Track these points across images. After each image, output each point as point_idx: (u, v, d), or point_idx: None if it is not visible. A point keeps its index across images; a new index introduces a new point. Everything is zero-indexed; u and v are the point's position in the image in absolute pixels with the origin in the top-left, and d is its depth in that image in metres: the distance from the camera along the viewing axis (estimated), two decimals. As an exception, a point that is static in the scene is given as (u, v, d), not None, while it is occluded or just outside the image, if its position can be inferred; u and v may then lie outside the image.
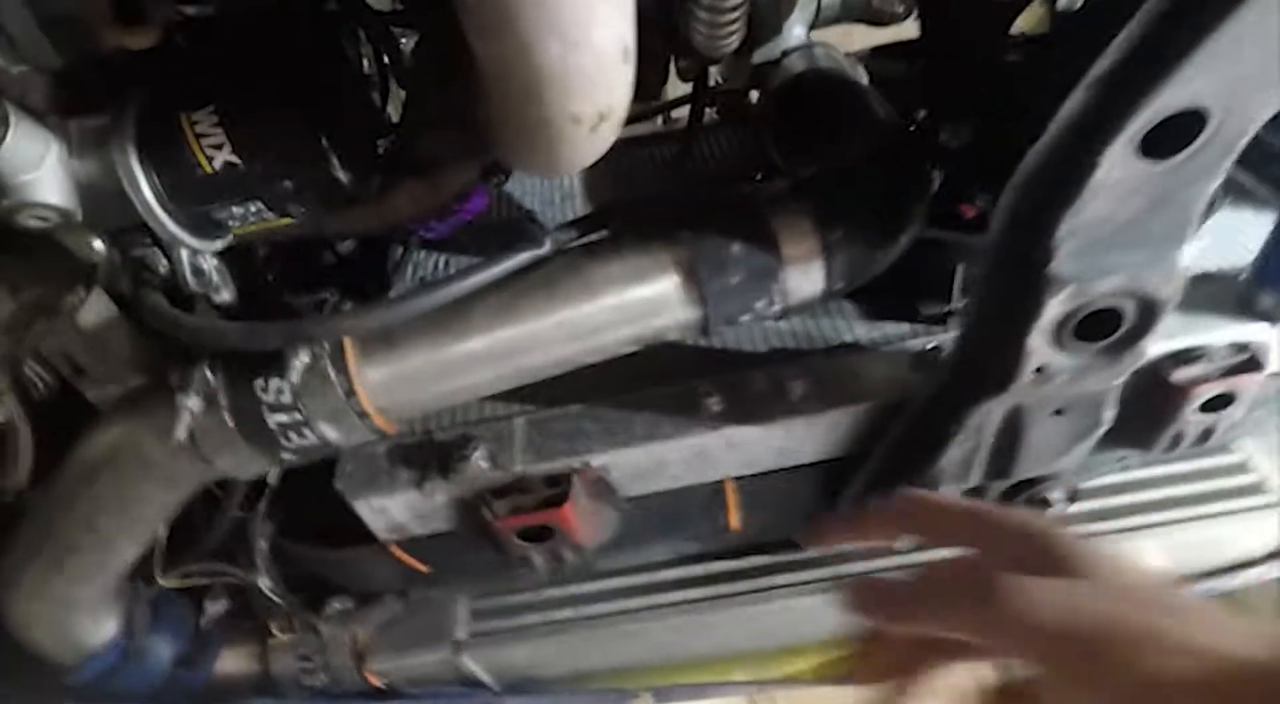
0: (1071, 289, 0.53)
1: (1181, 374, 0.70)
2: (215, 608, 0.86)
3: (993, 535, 0.38)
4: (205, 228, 0.55)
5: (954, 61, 0.69)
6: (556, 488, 0.71)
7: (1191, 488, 0.85)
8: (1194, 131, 0.45)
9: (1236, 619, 0.33)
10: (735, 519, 0.81)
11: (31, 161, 0.48)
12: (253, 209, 0.54)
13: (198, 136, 0.51)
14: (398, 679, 0.91)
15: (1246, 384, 0.69)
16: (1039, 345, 0.57)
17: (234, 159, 0.51)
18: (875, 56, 0.85)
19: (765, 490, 0.80)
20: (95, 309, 0.73)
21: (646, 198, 0.64)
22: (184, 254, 0.56)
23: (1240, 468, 0.86)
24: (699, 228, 0.59)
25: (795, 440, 0.74)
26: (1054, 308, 0.54)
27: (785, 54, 0.74)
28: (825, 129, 0.66)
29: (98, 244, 0.68)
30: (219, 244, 0.58)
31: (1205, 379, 0.69)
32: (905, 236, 0.63)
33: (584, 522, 0.73)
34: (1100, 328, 0.57)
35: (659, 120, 1.14)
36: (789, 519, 0.84)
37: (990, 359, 0.59)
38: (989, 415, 0.65)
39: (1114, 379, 0.62)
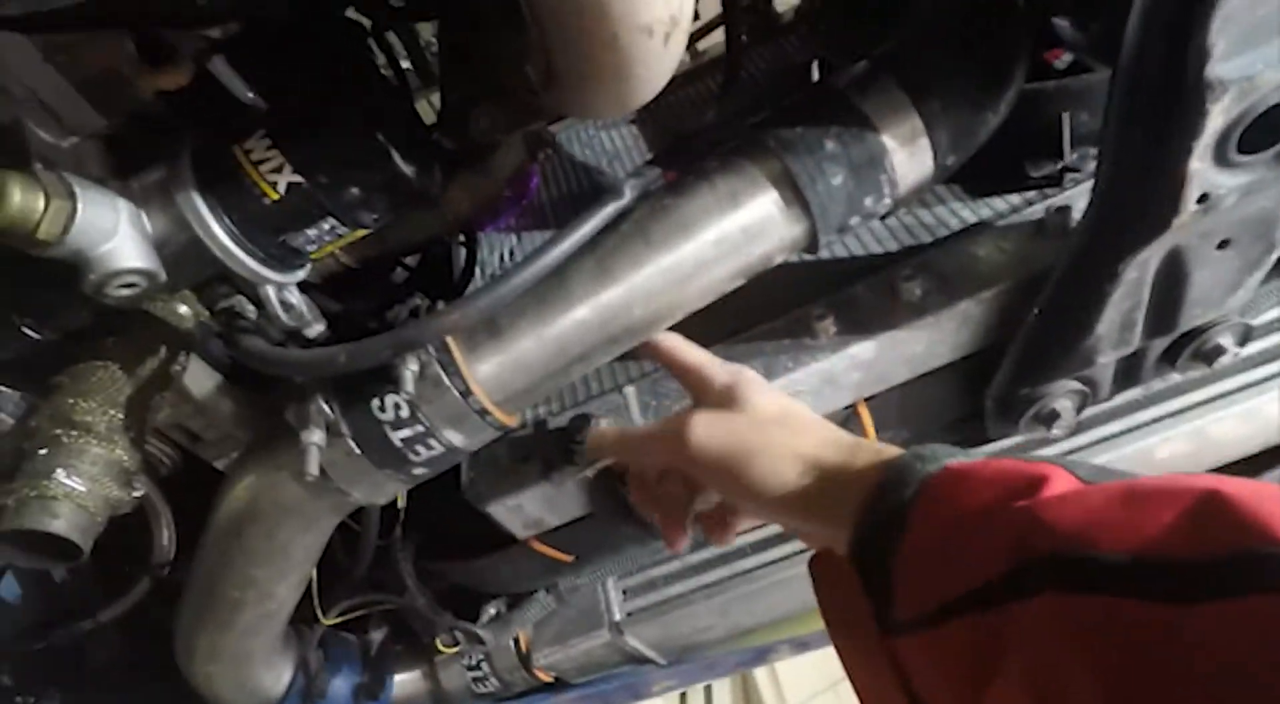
0: (1235, 90, 0.45)
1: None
2: (378, 635, 0.87)
3: (689, 372, 0.54)
4: (285, 258, 0.54)
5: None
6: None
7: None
8: None
9: (829, 426, 0.47)
10: (875, 440, 0.76)
11: (106, 231, 0.47)
12: (326, 227, 0.52)
13: (255, 164, 0.48)
14: (567, 670, 0.91)
15: None
16: (1201, 168, 0.50)
17: (296, 179, 0.49)
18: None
19: (902, 404, 0.75)
20: (196, 376, 0.74)
21: (709, 124, 0.59)
22: (270, 292, 0.55)
23: None
24: (785, 133, 0.54)
25: (923, 345, 0.68)
26: (1217, 118, 0.46)
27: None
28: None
29: (184, 309, 0.68)
30: (301, 273, 0.56)
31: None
32: (1011, 89, 0.57)
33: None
34: (1270, 132, 0.49)
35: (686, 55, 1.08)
36: (935, 430, 0.79)
37: (1144, 198, 0.52)
38: (1146, 265, 0.58)
39: (1289, 188, 0.54)
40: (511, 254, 0.92)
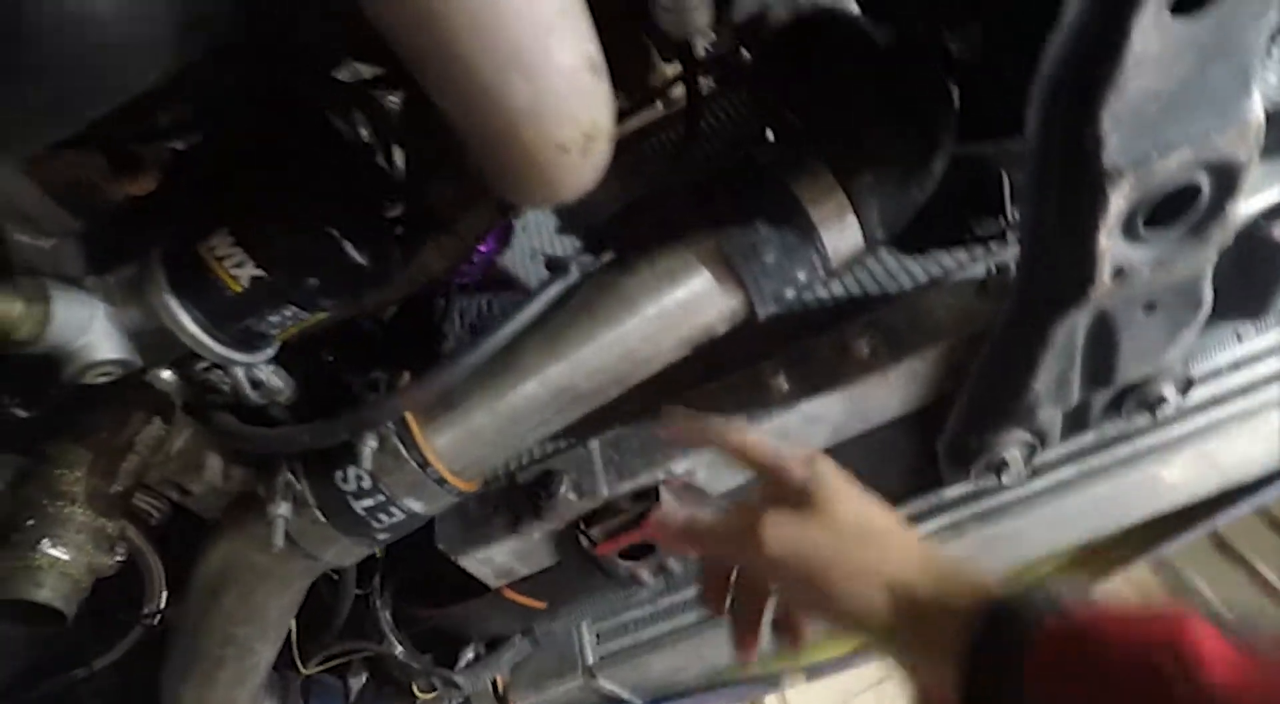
0: (1132, 178, 0.48)
1: (1281, 229, 0.63)
2: (358, 682, 0.90)
3: (762, 470, 0.49)
4: (251, 341, 0.57)
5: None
6: (645, 503, 0.70)
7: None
8: None
9: (915, 545, 0.43)
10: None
11: (82, 326, 0.51)
12: (288, 313, 0.55)
13: (219, 260, 0.52)
14: (545, 712, 0.93)
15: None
16: (1111, 244, 0.52)
17: (258, 272, 0.52)
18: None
19: (858, 455, 0.77)
20: (182, 433, 0.77)
21: (657, 193, 0.62)
22: (239, 372, 0.58)
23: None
24: (720, 214, 0.57)
25: (874, 400, 0.71)
26: (1117, 202, 0.49)
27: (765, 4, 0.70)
28: (823, 74, 0.62)
29: (166, 375, 0.71)
30: (268, 352, 0.60)
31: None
32: (938, 162, 0.59)
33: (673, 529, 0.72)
34: (1177, 208, 0.52)
35: (658, 104, 1.11)
36: (889, 479, 0.81)
37: (1062, 270, 0.55)
38: (1075, 328, 0.60)
39: (1205, 260, 0.56)
40: (491, 306, 0.96)
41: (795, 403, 0.70)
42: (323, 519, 0.59)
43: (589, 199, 0.49)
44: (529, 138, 0.40)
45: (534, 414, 0.59)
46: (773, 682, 1.00)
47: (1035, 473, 0.81)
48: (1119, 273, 0.54)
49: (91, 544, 0.64)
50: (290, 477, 0.58)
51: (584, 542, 0.72)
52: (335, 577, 0.81)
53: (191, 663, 0.72)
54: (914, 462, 0.79)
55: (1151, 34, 0.41)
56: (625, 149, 0.52)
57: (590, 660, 0.87)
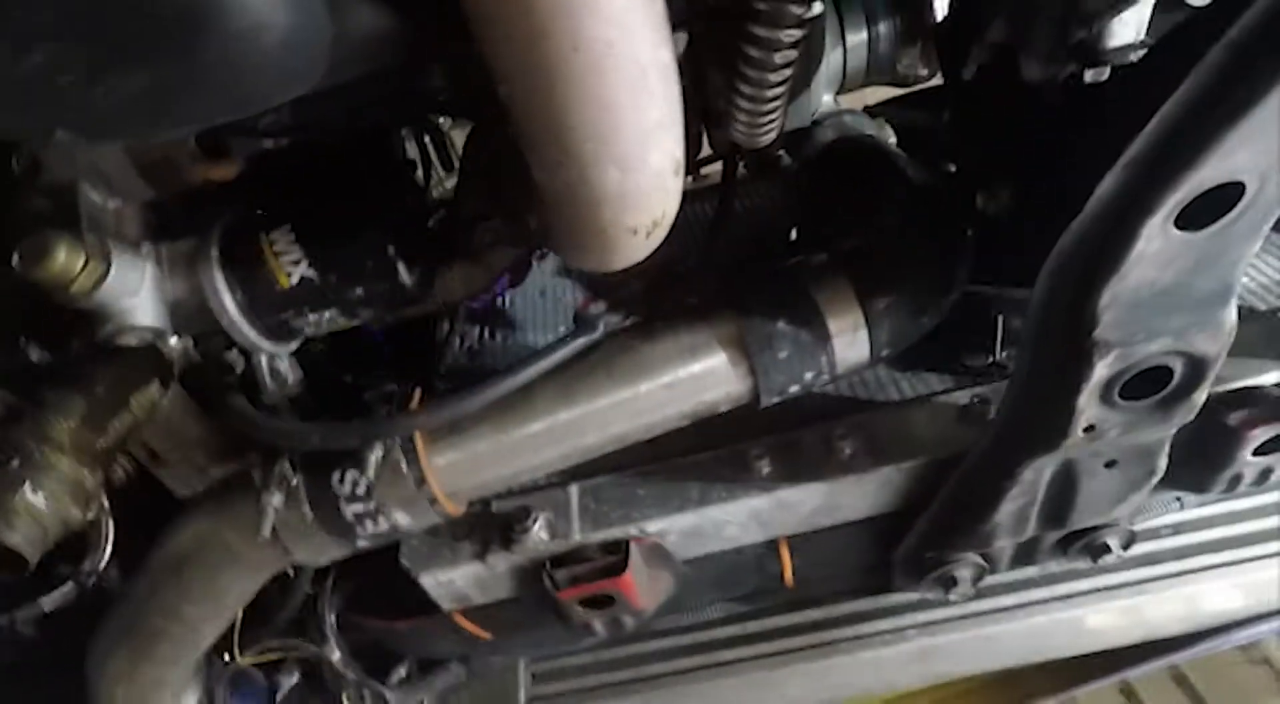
0: (1117, 352, 0.54)
1: (1237, 416, 0.70)
2: (289, 682, 0.89)
3: None
4: (281, 334, 0.59)
5: (983, 120, 0.71)
6: (615, 556, 0.73)
7: (1256, 525, 0.84)
8: (1231, 202, 0.46)
9: None
10: (790, 575, 0.82)
11: (130, 289, 0.53)
12: (326, 316, 0.57)
13: (276, 254, 0.54)
14: (464, 745, 0.93)
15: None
16: (1088, 405, 0.58)
17: (310, 273, 0.55)
18: (899, 106, 0.88)
19: (820, 546, 0.80)
20: (171, 400, 0.78)
21: (688, 269, 0.66)
22: (263, 359, 0.60)
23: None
24: (746, 304, 0.62)
25: (847, 498, 0.75)
26: (1101, 371, 0.55)
27: (815, 122, 0.77)
28: (860, 197, 0.68)
29: (174, 341, 0.73)
30: (293, 345, 0.62)
31: (1262, 421, 0.69)
32: (948, 299, 0.65)
33: (643, 587, 0.74)
34: (1150, 385, 0.57)
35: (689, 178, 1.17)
36: (845, 573, 0.84)
37: (1040, 418, 0.60)
38: (1041, 470, 0.65)
39: (1166, 432, 0.62)
40: (492, 334, 0.99)
41: (774, 488, 0.74)
42: (310, 516, 0.60)
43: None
44: (607, 219, 0.44)
45: (534, 454, 0.62)
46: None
47: (979, 595, 0.85)
48: (1090, 429, 0.60)
49: (69, 496, 0.64)
50: (288, 468, 0.59)
51: (548, 582, 0.73)
52: (290, 573, 0.81)
53: (130, 632, 0.72)
54: (869, 562, 0.83)
55: (1155, 240, 0.47)
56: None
57: (521, 699, 0.88)
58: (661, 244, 0.49)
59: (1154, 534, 0.85)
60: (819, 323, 0.60)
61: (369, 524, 0.61)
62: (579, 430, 0.61)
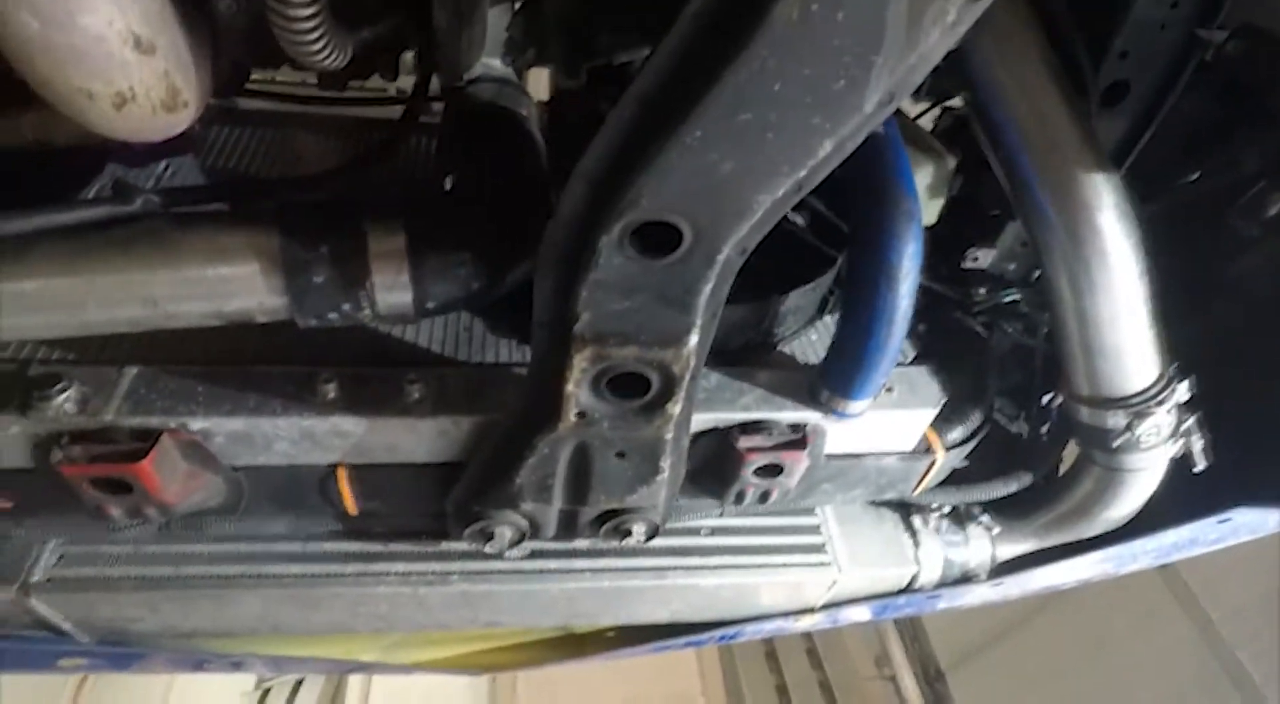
0: (594, 350, 0.61)
1: (744, 442, 0.82)
2: None
3: None
4: None
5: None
6: (142, 443, 0.71)
7: (760, 540, 0.99)
8: (674, 242, 0.54)
9: None
10: (352, 505, 0.84)
11: None
12: None
13: None
14: (-39, 616, 0.86)
15: (792, 459, 0.83)
16: (579, 393, 0.65)
17: None
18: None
19: (385, 482, 0.83)
20: None
21: (266, 182, 0.66)
22: None
23: (813, 529, 1.02)
24: (297, 223, 0.62)
25: (405, 439, 0.78)
26: (582, 363, 0.62)
27: (473, 81, 0.78)
28: (469, 162, 0.71)
29: None
30: None
31: (760, 449, 0.82)
32: (513, 275, 0.70)
33: (169, 481, 0.73)
34: (636, 388, 0.66)
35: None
36: (411, 512, 0.88)
37: (542, 398, 0.67)
38: (557, 446, 0.72)
39: (657, 433, 0.71)
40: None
41: (331, 413, 0.75)
42: None
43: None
44: (48, 76, 0.42)
45: (20, 314, 0.58)
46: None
47: (533, 556, 0.94)
48: (582, 415, 0.67)
49: None
50: None
51: (56, 455, 0.70)
52: None
53: None
54: (434, 506, 0.88)
55: (615, 255, 0.54)
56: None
57: (35, 577, 0.83)
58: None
59: (693, 532, 0.98)
60: (361, 261, 0.62)
61: None
62: (78, 302, 0.59)
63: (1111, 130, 0.95)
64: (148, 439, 0.71)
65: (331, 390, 0.76)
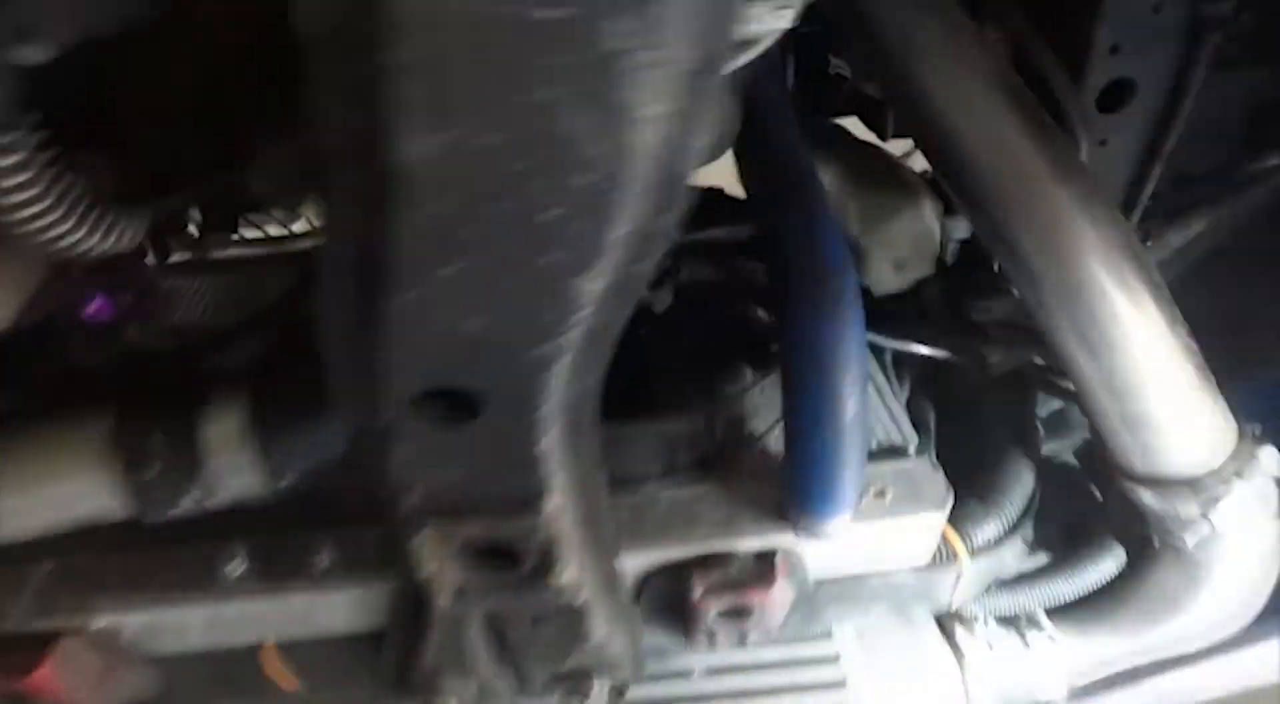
0: (434, 528, 0.52)
1: (698, 583, 0.69)
2: None
3: None
4: None
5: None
6: (38, 651, 0.67)
7: (763, 679, 0.83)
8: (472, 406, 0.44)
9: None
10: (289, 682, 0.77)
11: None
12: None
13: None
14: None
15: (760, 599, 0.68)
16: (444, 570, 0.55)
17: None
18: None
19: (317, 656, 0.76)
20: None
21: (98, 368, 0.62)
22: None
23: (830, 660, 0.85)
24: (132, 412, 0.58)
25: (318, 612, 0.72)
26: (427, 542, 0.52)
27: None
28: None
29: None
30: None
31: (716, 590, 0.68)
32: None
33: (80, 685, 0.69)
34: (509, 559, 0.55)
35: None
36: (353, 684, 0.80)
37: (408, 573, 0.58)
38: (457, 622, 0.63)
39: (564, 600, 0.60)
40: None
41: (237, 596, 0.69)
42: None
43: None
44: None
45: None
46: None
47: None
48: (461, 592, 0.58)
49: None
50: None
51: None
52: None
53: None
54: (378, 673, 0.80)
55: (412, 431, 0.45)
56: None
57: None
58: None
59: (683, 675, 0.84)
60: (192, 446, 0.57)
61: None
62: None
63: (1125, 138, 0.78)
64: (50, 644, 0.68)
65: (238, 568, 0.70)
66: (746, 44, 0.52)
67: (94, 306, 0.85)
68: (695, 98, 0.30)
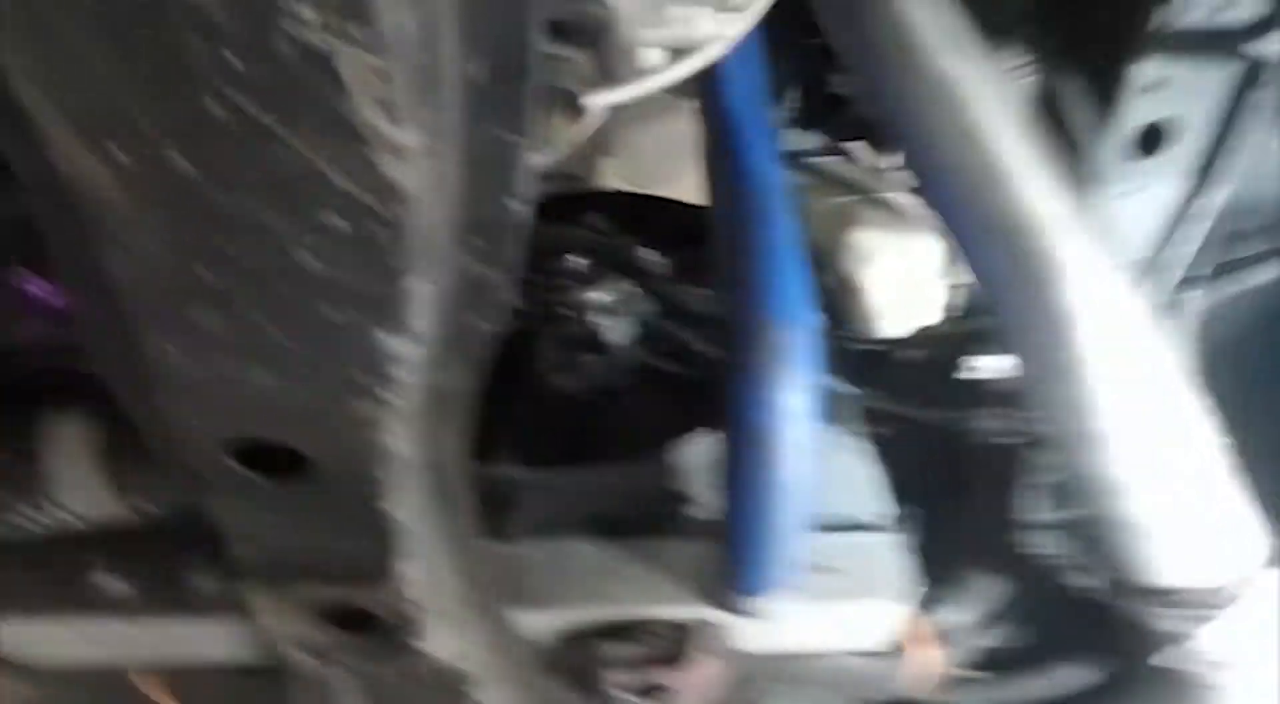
0: (271, 590, 0.45)
1: (605, 654, 0.61)
2: None
3: None
4: None
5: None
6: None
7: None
8: (295, 462, 0.37)
9: None
10: (177, 706, 0.72)
11: None
12: None
13: None
14: None
15: (673, 679, 0.60)
16: (291, 630, 0.49)
17: None
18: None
19: (204, 688, 0.71)
20: None
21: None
22: None
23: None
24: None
25: (196, 640, 0.65)
26: (265, 603, 0.46)
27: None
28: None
29: None
30: None
31: (622, 663, 0.60)
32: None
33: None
34: (364, 622, 0.48)
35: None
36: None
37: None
38: (323, 684, 0.56)
39: (440, 665, 0.53)
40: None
41: (110, 612, 0.64)
42: None
43: None
44: None
45: None
46: None
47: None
48: (320, 655, 0.51)
49: None
50: None
51: None
52: None
53: None
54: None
55: (231, 485, 0.38)
56: None
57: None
58: None
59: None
60: (29, 460, 0.51)
61: None
62: None
63: (1166, 185, 0.68)
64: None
65: (112, 582, 0.64)
66: (685, 52, 0.45)
67: None
68: (484, 131, 0.22)
